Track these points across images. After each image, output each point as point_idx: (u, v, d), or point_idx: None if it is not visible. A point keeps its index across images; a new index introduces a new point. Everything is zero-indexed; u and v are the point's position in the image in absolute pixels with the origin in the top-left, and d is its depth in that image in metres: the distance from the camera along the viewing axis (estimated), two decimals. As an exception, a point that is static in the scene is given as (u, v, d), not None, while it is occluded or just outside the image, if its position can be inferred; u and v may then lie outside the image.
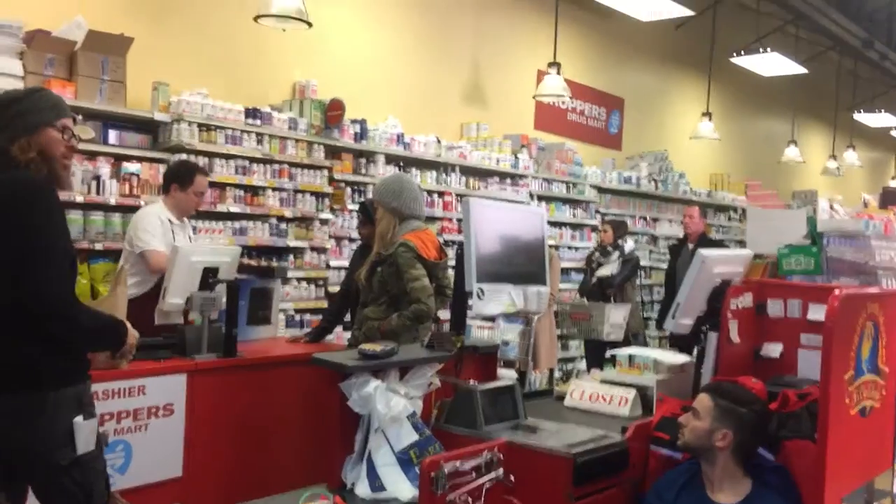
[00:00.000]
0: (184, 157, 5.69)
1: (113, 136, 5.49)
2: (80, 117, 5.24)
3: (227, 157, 6.03)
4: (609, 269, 7.24)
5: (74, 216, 5.10)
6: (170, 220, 4.51)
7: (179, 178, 4.60)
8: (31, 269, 2.38)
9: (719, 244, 8.99)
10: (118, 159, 5.45)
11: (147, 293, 4.24)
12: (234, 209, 6.07)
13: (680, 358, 3.63)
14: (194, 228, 5.74)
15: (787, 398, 2.92)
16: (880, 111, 16.01)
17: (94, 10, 5.62)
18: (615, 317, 5.79)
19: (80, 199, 5.13)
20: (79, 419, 2.49)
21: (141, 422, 3.49)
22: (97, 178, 5.27)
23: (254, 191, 6.23)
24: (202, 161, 5.85)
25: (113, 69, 5.41)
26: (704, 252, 3.25)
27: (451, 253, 4.88)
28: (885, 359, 3.19)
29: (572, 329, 6.27)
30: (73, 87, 5.22)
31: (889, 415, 3.32)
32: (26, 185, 2.47)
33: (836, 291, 2.80)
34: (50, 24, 5.29)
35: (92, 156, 5.32)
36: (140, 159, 5.56)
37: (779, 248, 3.68)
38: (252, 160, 6.19)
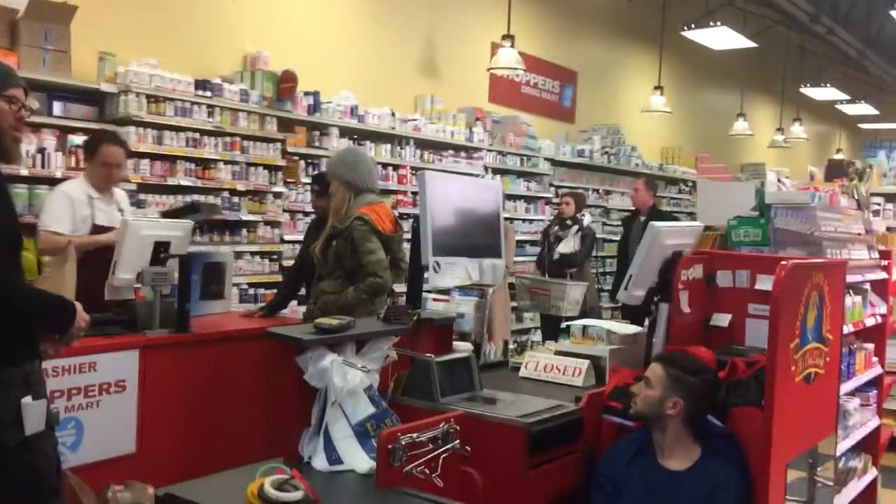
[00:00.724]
0: (131, 130, 5.59)
1: (58, 107, 5.35)
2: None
3: (177, 129, 5.92)
4: (568, 244, 7.28)
5: (20, 190, 4.98)
6: (90, 196, 4.30)
7: (86, 149, 4.45)
8: None
9: (670, 216, 9.11)
10: (64, 132, 5.31)
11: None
12: (185, 182, 5.97)
13: (632, 329, 3.69)
14: (141, 202, 5.64)
15: (735, 367, 2.99)
16: (826, 85, 16.33)
17: (36, -24, 5.43)
18: (574, 294, 5.86)
19: (24, 172, 5.00)
20: (27, 399, 2.40)
21: (92, 398, 3.44)
22: (42, 150, 5.14)
23: (205, 164, 6.13)
24: (151, 133, 5.74)
25: (57, 38, 5.25)
26: (657, 224, 3.30)
27: (406, 226, 4.88)
28: (829, 327, 3.28)
29: (530, 303, 6.32)
30: (14, 57, 5.06)
31: (832, 381, 3.43)
32: None
33: (783, 262, 2.87)
34: (-11, -9, 5.11)
35: (37, 128, 5.17)
36: (86, 131, 5.42)
37: (728, 220, 3.76)
38: (203, 132, 6.09)
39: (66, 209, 4.23)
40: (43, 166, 5.12)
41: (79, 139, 5.31)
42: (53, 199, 4.30)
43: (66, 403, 3.32)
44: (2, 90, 2.49)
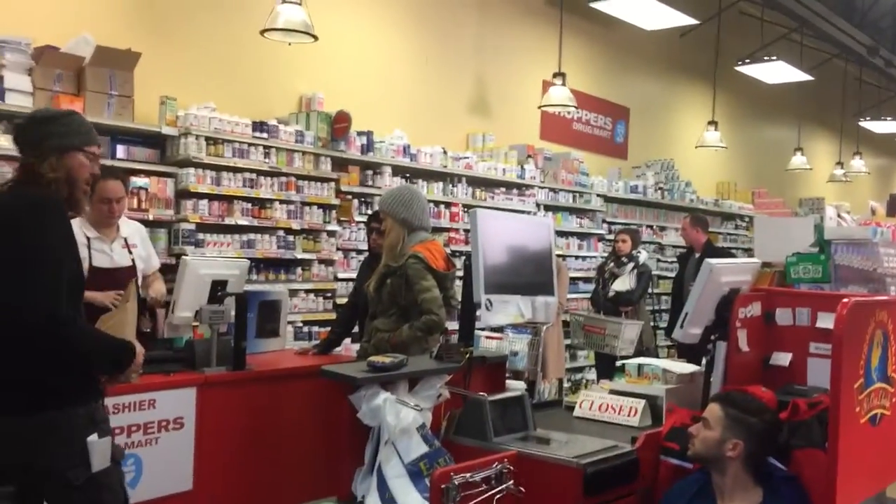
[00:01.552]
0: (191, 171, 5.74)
1: (121, 150, 5.53)
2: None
3: (235, 170, 6.06)
4: (624, 282, 7.18)
5: None
6: (87, 237, 4.14)
7: None
8: (29, 283, 2.38)
9: (726, 253, 8.96)
10: (126, 173, 5.46)
11: None
12: (242, 222, 6.09)
13: (689, 368, 3.62)
14: (199, 241, 5.73)
15: (797, 407, 2.91)
16: (886, 118, 15.99)
17: (102, 25, 5.66)
18: (629, 333, 5.78)
19: (89, 213, 5.14)
20: (93, 438, 2.48)
21: (151, 435, 3.49)
22: (106, 192, 5.28)
23: (261, 203, 6.25)
24: (209, 174, 5.89)
25: (121, 84, 5.44)
26: (712, 261, 3.25)
27: (457, 264, 4.88)
28: (894, 367, 3.18)
29: (584, 341, 6.24)
30: (81, 103, 5.25)
31: (900, 423, 3.31)
32: (39, 202, 2.49)
33: (845, 299, 2.80)
34: (58, 40, 5.33)
35: (125, 176, 5.30)
36: (148, 173, 5.59)
37: (787, 256, 3.68)
38: (259, 173, 6.22)
39: None
40: (106, 207, 5.26)
41: (141, 181, 5.48)
42: None
43: (126, 440, 3.38)
44: (85, 145, 2.64)
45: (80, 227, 4.23)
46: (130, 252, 4.34)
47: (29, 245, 2.41)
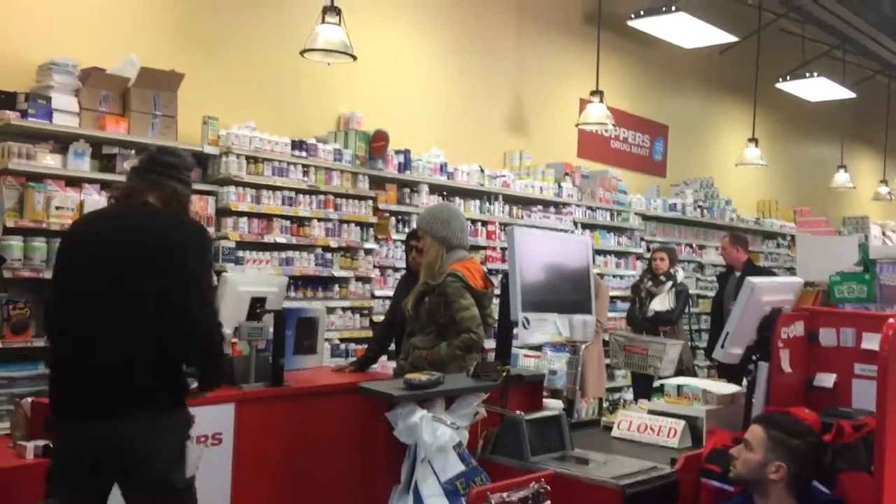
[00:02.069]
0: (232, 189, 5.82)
1: (164, 169, 5.62)
2: (132, 152, 5.39)
3: (274, 188, 6.13)
4: (663, 301, 7.10)
5: None
6: None
7: None
8: (213, 303, 2.73)
9: (767, 272, 8.83)
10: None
11: None
12: (281, 240, 6.15)
13: (730, 388, 3.57)
14: (239, 259, 5.81)
15: (841, 429, 2.85)
16: (932, 135, 15.67)
17: (146, 46, 5.78)
18: (672, 353, 5.71)
19: (132, 230, 5.23)
20: (190, 442, 2.60)
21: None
22: (148, 210, 5.37)
23: (300, 221, 6.31)
24: (250, 193, 5.96)
25: (164, 104, 5.55)
26: (753, 280, 3.21)
27: (495, 282, 4.88)
28: (943, 389, 3.10)
29: (625, 361, 6.17)
30: (125, 123, 5.36)
31: (950, 447, 3.22)
32: (206, 231, 2.81)
33: (891, 320, 2.74)
34: (104, 61, 5.46)
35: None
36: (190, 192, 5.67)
37: (830, 275, 3.62)
38: (298, 191, 6.28)
39: None
40: (149, 225, 5.35)
41: (182, 199, 5.55)
42: None
43: (166, 454, 3.40)
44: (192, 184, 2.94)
45: None
46: None
47: (211, 268, 2.73)
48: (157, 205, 2.74)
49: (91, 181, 5.17)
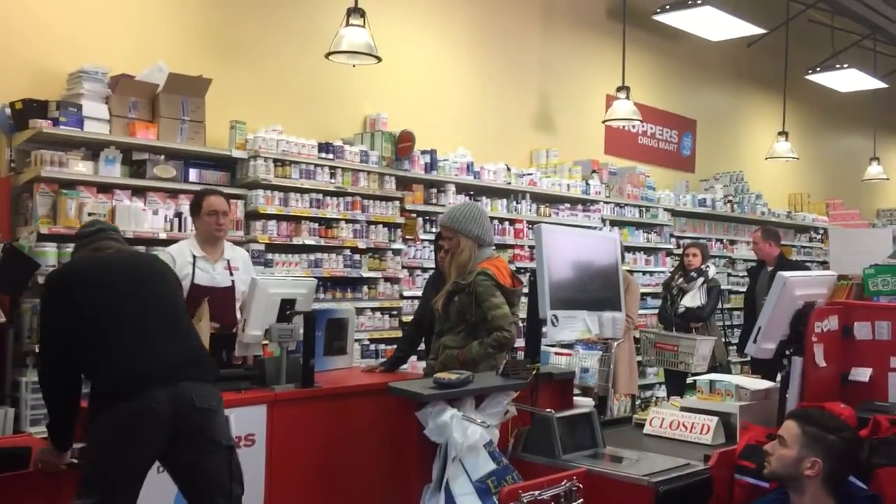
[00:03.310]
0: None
1: (193, 174, 5.68)
2: (161, 157, 5.45)
3: (302, 191, 6.17)
4: (694, 297, 7.03)
5: (159, 251, 5.19)
6: (194, 255, 4.41)
7: (192, 208, 4.60)
8: None
9: (800, 266, 8.71)
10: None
11: None
12: (310, 242, 6.19)
13: (763, 384, 3.53)
14: (268, 261, 5.85)
15: (878, 424, 2.81)
16: (968, 124, 15.39)
17: (174, 53, 5.85)
18: (704, 349, 5.66)
19: (163, 235, 5.30)
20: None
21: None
22: (179, 214, 5.44)
23: (328, 223, 6.35)
24: (278, 196, 6.01)
25: (193, 109, 5.61)
26: (785, 274, 3.17)
27: (523, 280, 4.86)
28: (983, 382, 3.04)
29: (655, 358, 6.12)
30: (155, 129, 5.43)
31: None
32: None
33: (928, 312, 2.69)
34: (133, 68, 5.53)
35: (174, 194, 5.50)
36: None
37: (864, 268, 3.57)
38: (326, 193, 6.32)
39: None
40: (180, 229, 5.42)
41: (212, 203, 5.61)
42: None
43: (199, 456, 3.44)
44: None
45: (186, 246, 4.46)
46: (231, 273, 4.55)
47: None
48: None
49: (122, 187, 5.24)
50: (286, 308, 4.00)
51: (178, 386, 2.89)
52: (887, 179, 14.17)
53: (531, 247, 7.60)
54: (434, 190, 7.19)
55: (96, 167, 5.18)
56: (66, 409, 2.96)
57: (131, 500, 2.86)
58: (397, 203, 6.80)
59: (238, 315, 4.32)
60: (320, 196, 6.29)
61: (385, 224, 6.69)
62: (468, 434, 2.87)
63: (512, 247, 7.73)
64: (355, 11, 5.99)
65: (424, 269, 6.86)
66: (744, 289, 8.94)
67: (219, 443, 2.97)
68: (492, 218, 7.16)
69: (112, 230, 3.32)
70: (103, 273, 3.07)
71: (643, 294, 8.87)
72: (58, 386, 2.95)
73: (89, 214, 4.96)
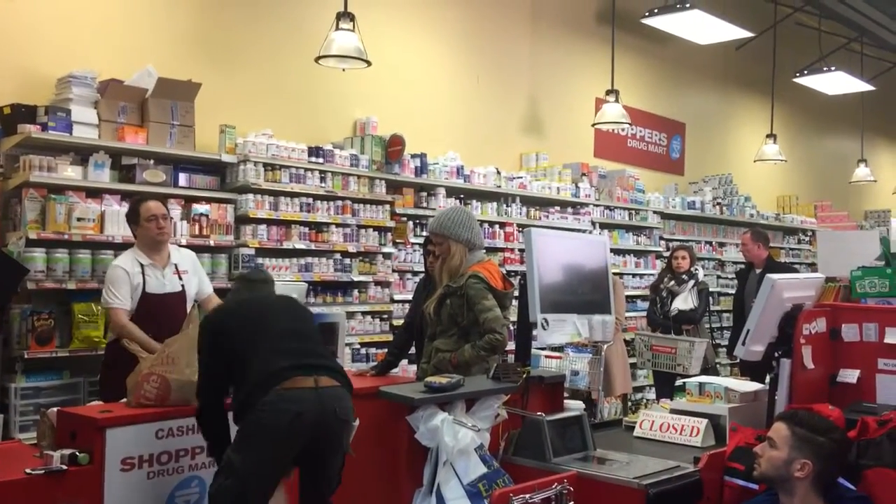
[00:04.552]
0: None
1: (183, 178, 5.67)
2: (151, 162, 5.44)
3: (292, 195, 6.16)
4: (686, 300, 7.06)
5: (83, 255, 5.04)
6: (141, 265, 4.41)
7: (130, 217, 4.56)
8: None
9: (788, 268, 8.76)
10: (188, 201, 5.61)
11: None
12: (300, 246, 6.18)
13: (752, 386, 3.55)
14: (259, 266, 5.84)
15: (866, 425, 2.83)
16: (954, 126, 15.52)
17: (163, 57, 5.83)
18: (699, 351, 5.70)
19: (152, 240, 5.27)
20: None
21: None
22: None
23: (318, 227, 6.34)
24: (268, 200, 6.00)
25: (182, 114, 5.59)
26: (773, 277, 3.19)
27: (514, 283, 4.87)
28: (970, 383, 3.07)
29: (651, 361, 6.14)
30: (144, 133, 5.41)
31: (977, 442, 3.18)
32: None
33: (915, 314, 2.72)
34: (122, 73, 5.51)
35: (163, 198, 5.47)
36: (209, 200, 5.72)
37: (852, 270, 3.59)
38: (316, 197, 6.31)
39: (124, 283, 4.35)
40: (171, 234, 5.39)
41: (202, 208, 5.60)
42: (111, 276, 4.40)
43: (190, 462, 3.44)
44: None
45: (132, 257, 4.42)
46: (181, 278, 4.54)
47: None
48: None
49: (111, 192, 5.22)
50: (276, 313, 3.98)
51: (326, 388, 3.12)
52: (875, 181, 14.26)
53: (521, 250, 7.61)
54: (424, 193, 7.19)
55: (85, 172, 5.16)
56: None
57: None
58: (387, 207, 6.79)
59: None
60: (310, 200, 6.28)
61: (375, 228, 6.69)
62: (459, 438, 2.87)
63: (502, 250, 7.74)
64: (345, 15, 5.99)
65: (415, 273, 6.86)
66: (733, 291, 8.98)
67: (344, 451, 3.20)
68: (482, 221, 7.17)
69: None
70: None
71: (633, 297, 8.90)
72: None
73: (78, 220, 4.95)
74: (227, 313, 3.40)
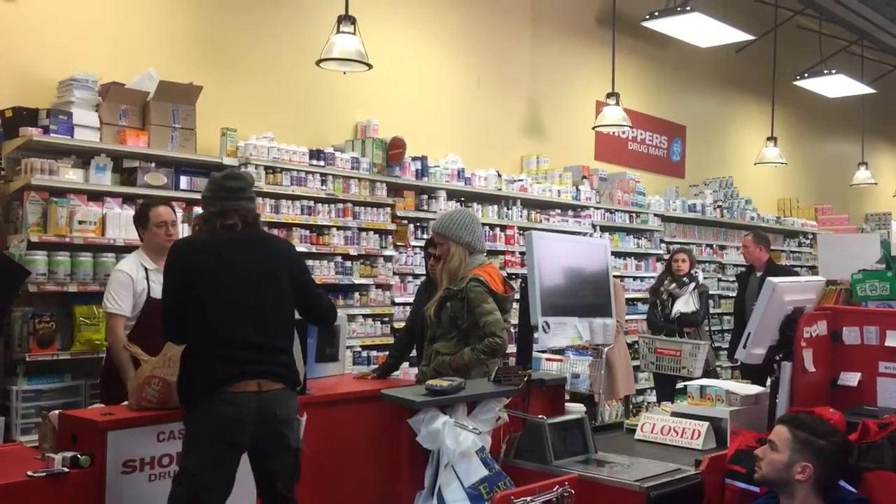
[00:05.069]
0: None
1: (184, 181, 5.67)
2: (152, 165, 5.44)
3: (293, 197, 6.17)
4: (687, 302, 7.06)
5: (84, 258, 5.02)
6: (146, 269, 4.40)
7: (138, 220, 4.56)
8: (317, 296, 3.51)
9: (788, 271, 8.76)
10: (189, 204, 5.61)
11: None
12: (301, 249, 6.17)
13: (753, 389, 3.55)
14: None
15: (867, 428, 2.83)
16: (955, 129, 15.53)
17: (164, 60, 5.84)
18: (703, 354, 5.71)
19: (153, 242, 5.28)
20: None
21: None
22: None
23: (319, 230, 6.34)
24: (269, 203, 6.00)
25: (183, 117, 5.60)
26: (774, 280, 3.20)
27: (514, 286, 4.88)
28: (970, 386, 3.07)
29: (656, 364, 6.13)
30: (145, 136, 5.42)
31: (978, 445, 3.18)
32: None
33: (915, 317, 2.72)
34: (123, 76, 5.52)
35: (170, 203, 5.47)
36: (210, 203, 5.71)
37: (852, 273, 3.60)
38: (317, 200, 6.32)
39: (127, 289, 4.34)
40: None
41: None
42: (113, 281, 4.39)
43: (191, 464, 3.43)
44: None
45: (136, 261, 4.40)
46: None
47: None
48: (240, 225, 3.27)
49: (113, 195, 5.22)
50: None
51: (264, 391, 3.19)
52: (875, 184, 14.26)
53: (522, 253, 7.62)
54: (425, 196, 7.19)
55: (87, 175, 5.16)
56: None
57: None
58: (388, 210, 6.80)
59: None
60: (311, 203, 6.29)
61: (376, 231, 6.69)
62: (460, 441, 2.87)
63: (503, 253, 7.74)
64: (346, 19, 6.00)
65: (416, 276, 6.86)
66: (733, 294, 8.98)
67: (296, 447, 3.29)
68: (482, 224, 7.16)
69: (231, 191, 3.35)
70: (211, 265, 3.33)
71: (633, 299, 8.90)
72: None
73: (79, 223, 4.95)
74: (194, 250, 3.30)
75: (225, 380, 3.07)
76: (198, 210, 5.56)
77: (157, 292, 4.34)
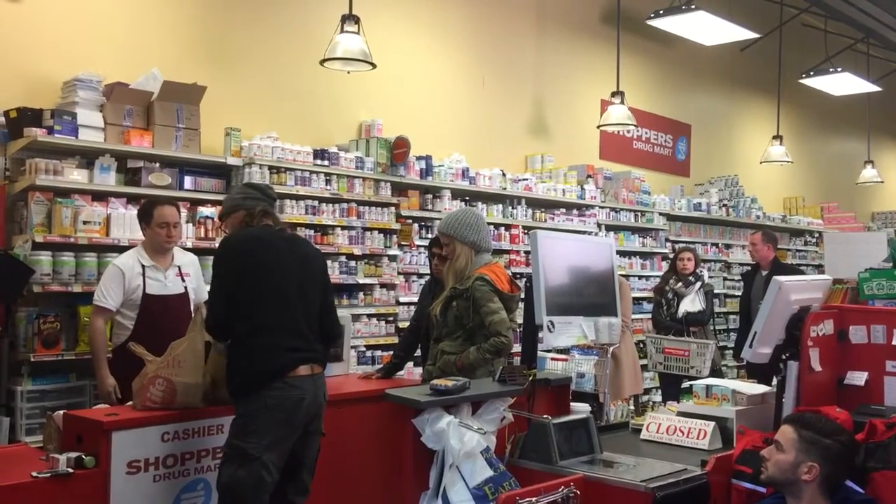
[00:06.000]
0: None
1: (188, 181, 5.67)
2: (156, 165, 5.45)
3: (297, 197, 6.17)
4: (693, 302, 7.04)
5: (89, 259, 5.03)
6: (143, 265, 4.43)
7: (141, 216, 4.58)
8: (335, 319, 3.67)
9: (794, 270, 8.73)
10: (194, 204, 5.62)
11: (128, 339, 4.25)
12: (305, 248, 6.17)
13: (759, 388, 3.53)
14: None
15: (874, 428, 2.81)
16: (961, 127, 15.46)
17: (169, 60, 5.85)
18: (710, 353, 5.70)
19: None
20: None
21: (220, 460, 3.54)
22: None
23: (323, 230, 6.34)
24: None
25: (187, 117, 5.60)
26: (780, 279, 3.18)
27: (520, 285, 4.86)
28: (979, 385, 3.05)
29: (664, 363, 6.11)
30: (150, 136, 5.42)
31: None
32: None
33: (923, 316, 2.70)
34: (127, 76, 5.52)
35: (176, 203, 5.47)
36: (214, 203, 5.72)
37: (859, 272, 3.58)
38: (321, 200, 6.31)
39: (117, 283, 4.37)
40: (175, 237, 5.40)
41: (208, 210, 5.61)
42: (106, 274, 4.43)
43: (196, 465, 3.44)
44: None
45: (134, 257, 4.42)
46: (183, 280, 4.56)
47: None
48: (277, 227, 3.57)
49: (117, 195, 5.23)
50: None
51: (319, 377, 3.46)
52: (882, 182, 14.22)
53: (527, 252, 7.60)
54: (429, 196, 7.19)
55: (91, 175, 5.17)
56: None
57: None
58: (393, 209, 6.79)
59: None
60: (316, 203, 6.28)
61: (381, 230, 6.69)
62: (465, 441, 2.86)
63: (508, 252, 7.73)
64: (350, 18, 6.00)
65: (420, 276, 6.85)
66: (739, 292, 8.95)
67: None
68: (487, 223, 7.16)
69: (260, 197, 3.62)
70: (268, 259, 3.48)
71: (639, 298, 8.88)
72: None
73: (84, 223, 4.95)
74: (253, 242, 3.44)
75: (289, 365, 3.26)
76: (202, 210, 5.58)
77: (153, 288, 4.42)
